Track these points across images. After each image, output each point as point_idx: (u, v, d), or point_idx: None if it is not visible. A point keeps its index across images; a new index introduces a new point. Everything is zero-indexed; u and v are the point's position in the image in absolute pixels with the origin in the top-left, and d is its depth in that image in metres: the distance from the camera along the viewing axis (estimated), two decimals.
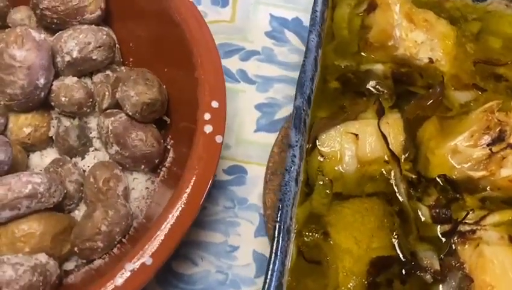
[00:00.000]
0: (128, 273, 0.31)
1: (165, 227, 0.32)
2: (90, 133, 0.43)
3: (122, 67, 0.46)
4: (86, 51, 0.41)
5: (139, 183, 0.42)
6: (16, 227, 0.35)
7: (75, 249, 0.36)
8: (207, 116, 0.37)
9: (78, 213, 0.40)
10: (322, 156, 0.39)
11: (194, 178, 0.34)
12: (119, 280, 0.30)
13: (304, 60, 0.39)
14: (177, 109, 0.42)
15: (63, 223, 0.37)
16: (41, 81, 0.40)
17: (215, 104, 0.37)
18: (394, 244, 0.37)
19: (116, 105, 0.43)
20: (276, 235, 0.32)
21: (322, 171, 0.39)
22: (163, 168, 0.40)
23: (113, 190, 0.39)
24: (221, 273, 0.42)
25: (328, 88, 0.43)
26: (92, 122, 0.43)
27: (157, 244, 0.32)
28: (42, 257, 0.35)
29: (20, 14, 0.45)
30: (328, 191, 0.38)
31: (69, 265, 0.38)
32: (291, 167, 0.35)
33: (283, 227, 0.33)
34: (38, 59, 0.39)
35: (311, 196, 0.38)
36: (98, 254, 0.37)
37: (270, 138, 0.49)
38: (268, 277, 0.31)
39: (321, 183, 0.38)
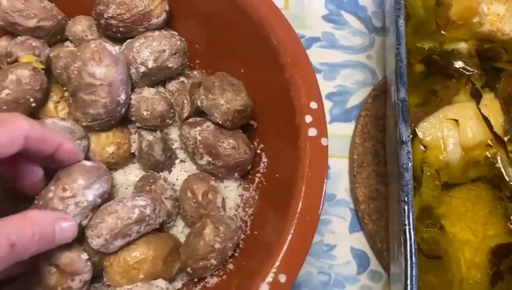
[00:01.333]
0: None
1: (291, 240, 0.31)
2: (173, 144, 0.41)
3: (195, 72, 0.43)
4: (161, 60, 0.39)
5: (231, 192, 0.40)
6: (128, 254, 0.34)
7: (188, 269, 0.35)
8: (308, 118, 0.35)
9: (177, 230, 0.39)
10: (424, 146, 0.38)
11: (308, 185, 0.33)
12: None
13: (397, 48, 0.37)
14: (263, 111, 0.40)
15: (169, 243, 0.36)
16: (122, 97, 0.37)
17: (314, 105, 0.35)
18: (510, 230, 0.36)
19: (195, 112, 0.41)
20: (408, 238, 0.31)
21: (425, 162, 0.38)
22: (258, 174, 0.39)
23: (213, 203, 0.38)
24: (324, 273, 0.41)
25: (414, 72, 0.41)
26: (173, 133, 0.41)
27: (288, 259, 0.31)
28: (162, 283, 0.34)
29: (80, 25, 0.42)
30: (436, 182, 0.37)
31: (176, 285, 0.37)
32: (408, 164, 0.33)
33: (413, 229, 0.31)
34: (118, 74, 0.37)
35: (420, 189, 0.37)
36: (210, 272, 0.35)
37: (347, 128, 0.47)
38: (409, 283, 0.30)
39: (428, 174, 0.37)
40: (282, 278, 0.30)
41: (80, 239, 0.34)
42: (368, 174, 0.43)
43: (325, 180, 0.34)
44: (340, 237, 0.43)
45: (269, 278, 0.30)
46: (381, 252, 0.41)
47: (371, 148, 0.45)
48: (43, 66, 0.39)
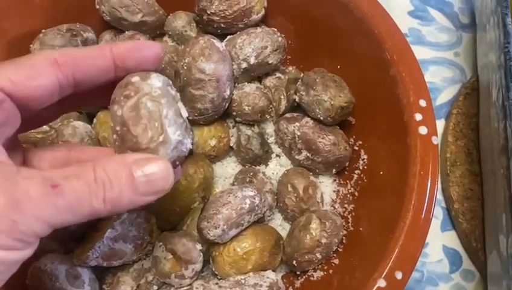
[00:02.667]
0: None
1: (405, 238, 0.31)
2: (268, 139, 0.42)
3: (290, 68, 0.44)
4: (262, 56, 0.40)
5: (326, 187, 0.41)
6: (238, 245, 0.35)
7: (294, 262, 0.36)
8: (418, 116, 0.35)
9: (275, 223, 0.40)
10: None
11: (420, 184, 0.33)
12: None
13: (506, 46, 0.37)
14: (361, 108, 0.40)
15: (273, 235, 0.37)
16: (227, 92, 0.38)
17: (423, 103, 0.35)
18: None
19: (291, 108, 0.42)
20: None
21: None
22: (356, 171, 0.39)
23: (313, 198, 0.38)
24: (416, 271, 0.42)
25: None
26: (269, 128, 0.42)
27: (403, 257, 0.31)
28: (271, 275, 0.35)
29: (180, 21, 0.43)
30: None
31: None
32: None
33: None
34: (225, 70, 0.38)
35: None
36: (314, 265, 0.36)
37: (437, 126, 0.47)
38: None
39: None
40: (399, 275, 0.31)
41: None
42: (461, 173, 0.43)
43: (437, 179, 0.34)
44: (432, 235, 0.43)
45: (386, 275, 0.30)
46: (475, 252, 0.41)
47: (463, 146, 0.44)
48: None
